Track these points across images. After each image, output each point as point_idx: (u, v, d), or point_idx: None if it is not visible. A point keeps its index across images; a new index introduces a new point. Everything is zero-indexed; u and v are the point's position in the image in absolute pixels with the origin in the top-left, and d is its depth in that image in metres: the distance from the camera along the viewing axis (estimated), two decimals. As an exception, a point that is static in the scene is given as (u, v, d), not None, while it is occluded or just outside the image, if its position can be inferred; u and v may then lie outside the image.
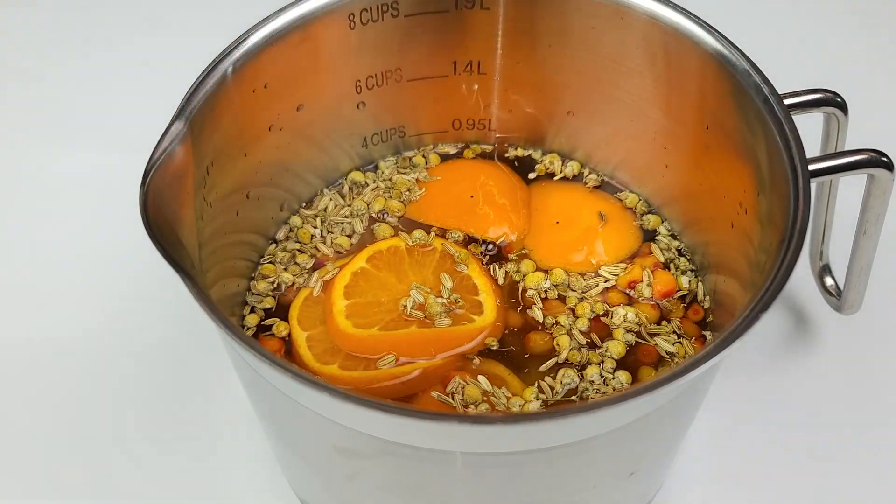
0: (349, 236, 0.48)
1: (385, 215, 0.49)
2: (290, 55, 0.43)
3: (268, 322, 0.45)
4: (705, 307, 0.46)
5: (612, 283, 0.46)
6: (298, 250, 0.48)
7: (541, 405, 0.42)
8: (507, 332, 0.44)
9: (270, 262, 0.47)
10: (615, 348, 0.44)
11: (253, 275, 0.47)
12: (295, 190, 0.49)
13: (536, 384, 0.42)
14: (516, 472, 0.35)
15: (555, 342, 0.44)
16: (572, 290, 0.46)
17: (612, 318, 0.45)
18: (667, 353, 0.44)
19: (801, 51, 0.67)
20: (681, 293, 0.46)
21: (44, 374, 0.50)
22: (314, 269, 0.47)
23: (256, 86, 0.42)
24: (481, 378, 0.42)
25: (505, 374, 0.43)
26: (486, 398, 0.41)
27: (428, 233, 0.48)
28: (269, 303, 0.46)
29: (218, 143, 0.41)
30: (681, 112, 0.45)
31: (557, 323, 0.45)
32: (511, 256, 0.47)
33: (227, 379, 0.49)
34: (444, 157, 0.52)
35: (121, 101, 0.63)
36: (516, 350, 0.44)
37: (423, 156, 0.52)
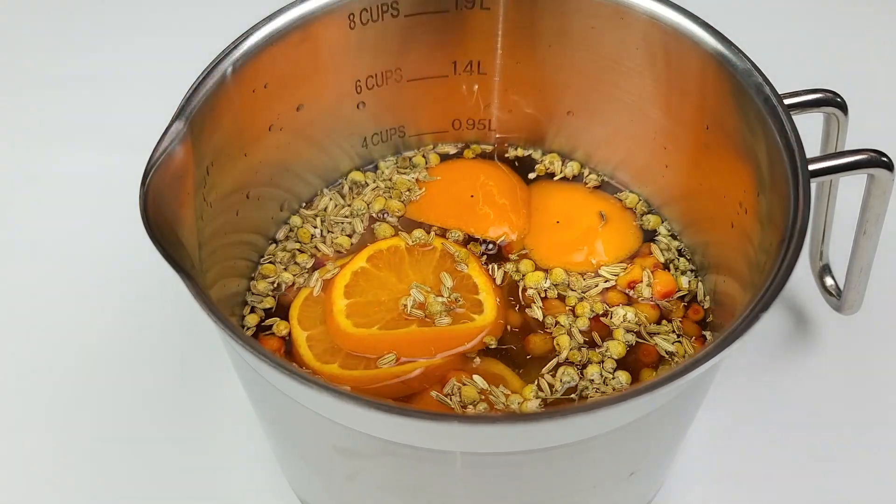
0: (349, 236, 0.48)
1: (385, 215, 0.49)
2: (290, 55, 0.43)
3: (268, 322, 0.45)
4: (705, 307, 0.46)
5: (612, 283, 0.46)
6: (298, 250, 0.48)
7: (540, 403, 0.42)
8: (507, 331, 0.44)
9: (270, 262, 0.47)
10: (615, 348, 0.44)
11: (253, 275, 0.47)
12: (295, 190, 0.49)
13: (536, 382, 0.42)
14: (516, 472, 0.35)
15: (555, 342, 0.44)
16: (572, 290, 0.46)
17: (611, 318, 0.45)
18: (667, 352, 0.44)
19: (801, 51, 0.67)
20: (681, 293, 0.46)
21: (43, 374, 0.50)
22: (314, 268, 0.47)
23: (256, 86, 0.42)
24: (477, 377, 0.42)
25: (505, 372, 0.43)
26: (483, 397, 0.41)
27: (428, 232, 0.48)
28: (269, 303, 0.46)
29: (218, 143, 0.41)
30: (681, 112, 0.45)
31: (557, 323, 0.45)
32: (512, 257, 0.47)
33: (227, 379, 0.49)
34: (444, 157, 0.52)
35: (121, 101, 0.63)
36: (516, 349, 0.44)
37: (423, 156, 0.52)
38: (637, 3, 0.43)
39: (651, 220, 0.49)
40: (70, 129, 0.62)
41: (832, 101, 0.42)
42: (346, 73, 0.47)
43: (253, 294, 0.46)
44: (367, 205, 0.50)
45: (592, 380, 0.43)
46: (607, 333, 0.44)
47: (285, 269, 0.47)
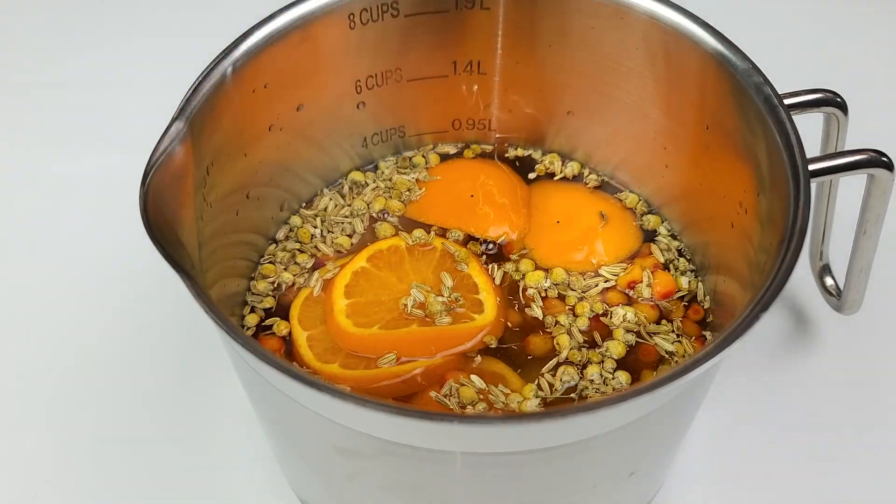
0: (349, 236, 0.48)
1: (385, 215, 0.49)
2: (290, 55, 0.43)
3: (268, 322, 0.45)
4: (705, 307, 0.46)
5: (612, 283, 0.46)
6: (298, 250, 0.48)
7: (539, 403, 0.42)
8: (507, 330, 0.44)
9: (270, 262, 0.47)
10: (615, 348, 0.44)
11: (253, 275, 0.47)
12: (295, 190, 0.49)
13: (536, 382, 0.42)
14: (516, 472, 0.35)
15: (555, 342, 0.44)
16: (572, 290, 0.46)
17: (611, 318, 0.45)
18: (667, 352, 0.44)
19: (801, 51, 0.67)
20: (680, 293, 0.46)
21: (43, 374, 0.50)
22: (314, 268, 0.47)
23: (256, 86, 0.42)
24: (475, 377, 0.42)
25: (505, 371, 0.43)
26: (482, 397, 0.41)
27: (428, 232, 0.48)
28: (269, 303, 0.46)
29: (218, 143, 0.41)
30: (681, 112, 0.45)
31: (557, 322, 0.45)
32: (513, 257, 0.47)
33: (227, 379, 0.49)
34: (444, 157, 0.52)
35: (121, 101, 0.63)
36: (516, 348, 0.44)
37: (423, 156, 0.52)
38: (637, 3, 0.43)
39: (651, 220, 0.49)
40: (70, 129, 0.62)
41: (832, 101, 0.42)
42: (346, 73, 0.47)
43: (253, 294, 0.46)
44: (367, 205, 0.50)
45: (592, 380, 0.43)
46: (607, 333, 0.44)
47: (285, 269, 0.47)
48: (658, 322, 0.45)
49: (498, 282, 0.46)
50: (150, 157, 0.35)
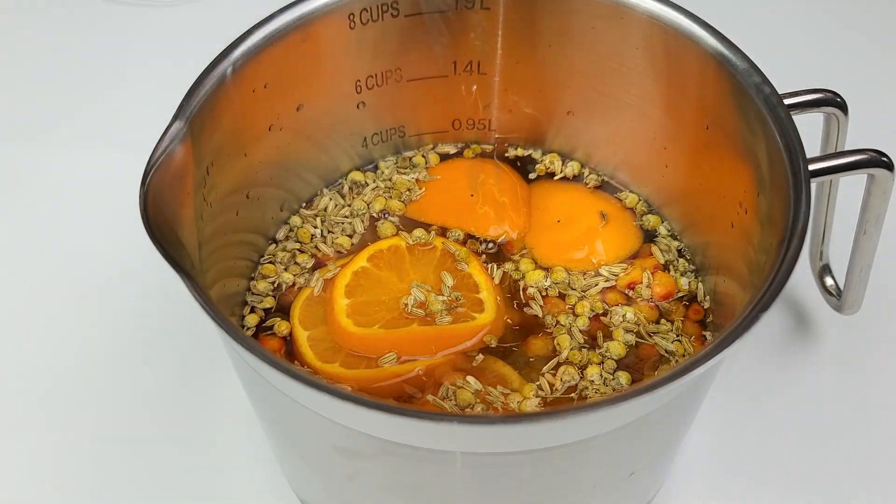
0: (350, 236, 0.48)
1: (386, 215, 0.49)
2: (290, 55, 0.43)
3: (269, 322, 0.45)
4: (705, 307, 0.46)
5: (613, 283, 0.46)
6: (299, 250, 0.48)
7: (539, 402, 0.42)
8: (507, 329, 0.44)
9: (270, 262, 0.47)
10: (615, 349, 0.44)
11: (253, 275, 0.47)
12: (295, 190, 0.49)
13: (537, 381, 0.42)
14: (516, 472, 0.35)
15: (555, 342, 0.44)
16: (573, 289, 0.46)
17: (611, 318, 0.45)
18: (667, 351, 0.44)
19: (801, 51, 0.67)
20: (680, 294, 0.46)
21: (43, 374, 0.50)
22: (315, 268, 0.47)
23: (256, 86, 0.42)
24: (470, 379, 0.42)
25: (506, 370, 0.43)
26: (479, 398, 0.41)
27: (428, 232, 0.48)
28: (269, 303, 0.46)
29: (218, 143, 0.41)
30: (681, 112, 0.45)
31: (558, 322, 0.45)
32: (514, 257, 0.47)
33: (227, 379, 0.49)
34: (444, 157, 0.52)
35: (121, 101, 0.63)
36: (517, 348, 0.44)
37: (423, 156, 0.52)
38: (637, 3, 0.43)
39: (651, 220, 0.49)
40: (70, 129, 0.62)
41: (832, 101, 0.42)
42: (346, 73, 0.47)
43: (253, 294, 0.46)
44: (368, 205, 0.50)
45: (592, 380, 0.43)
46: (607, 333, 0.44)
47: (285, 270, 0.47)
48: (658, 322, 0.45)
49: (498, 281, 0.46)
50: (150, 157, 0.35)
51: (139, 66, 0.66)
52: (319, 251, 0.48)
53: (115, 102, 0.63)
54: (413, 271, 0.46)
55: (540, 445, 0.33)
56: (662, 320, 0.45)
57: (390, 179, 0.51)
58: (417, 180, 0.51)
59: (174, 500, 0.46)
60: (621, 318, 0.45)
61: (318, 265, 0.47)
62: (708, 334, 0.45)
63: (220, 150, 0.41)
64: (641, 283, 0.46)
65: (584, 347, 0.44)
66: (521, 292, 0.46)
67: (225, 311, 0.39)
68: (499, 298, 0.45)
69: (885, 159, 0.39)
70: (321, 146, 0.49)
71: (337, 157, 0.50)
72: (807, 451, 0.48)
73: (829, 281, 0.49)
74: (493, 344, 0.44)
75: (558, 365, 0.43)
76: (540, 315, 0.45)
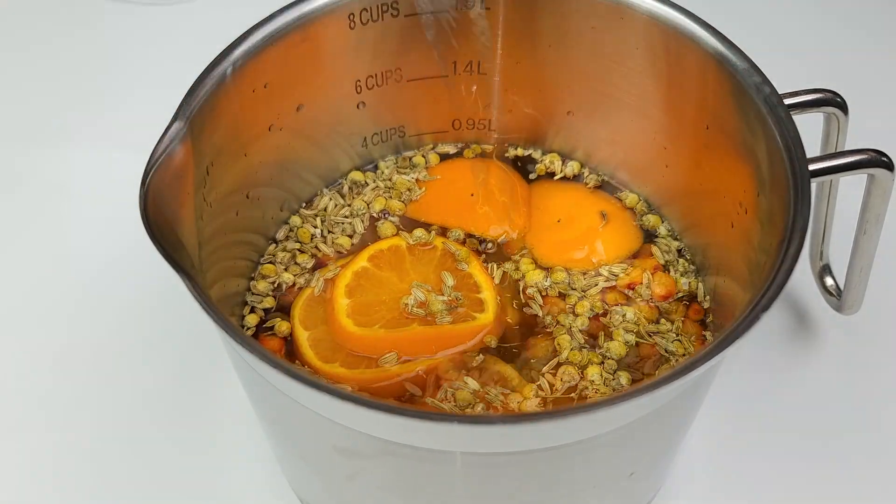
0: (350, 236, 0.48)
1: (386, 215, 0.49)
2: (290, 55, 0.43)
3: (269, 322, 0.45)
4: (705, 307, 0.46)
5: (613, 283, 0.46)
6: (299, 250, 0.48)
7: (539, 402, 0.42)
8: (507, 329, 0.44)
9: (270, 262, 0.47)
10: (615, 349, 0.44)
11: (253, 275, 0.47)
12: (295, 190, 0.49)
13: (537, 381, 0.42)
14: (516, 472, 0.35)
15: (555, 341, 0.44)
16: (573, 289, 0.46)
17: (611, 318, 0.45)
18: (667, 351, 0.44)
19: (801, 51, 0.67)
20: (680, 294, 0.46)
21: (43, 374, 0.50)
22: (315, 268, 0.47)
23: (256, 86, 0.42)
24: (468, 379, 0.42)
25: (506, 370, 0.43)
26: (479, 398, 0.41)
27: (429, 232, 0.48)
28: (269, 303, 0.46)
29: (218, 143, 0.41)
30: (681, 112, 0.45)
31: (558, 322, 0.45)
32: (514, 257, 0.47)
33: (227, 379, 0.49)
34: (444, 157, 0.52)
35: (121, 101, 0.63)
36: (517, 347, 0.44)
37: (423, 156, 0.52)
38: (637, 3, 0.43)
39: (651, 220, 0.49)
40: (70, 129, 0.62)
41: (832, 101, 0.42)
42: (346, 73, 0.47)
43: (253, 294, 0.46)
44: (367, 205, 0.50)
45: (592, 380, 0.43)
46: (607, 333, 0.44)
47: (286, 270, 0.47)
48: (658, 322, 0.45)
49: (497, 281, 0.46)
50: (150, 157, 0.35)
51: (139, 65, 0.66)
52: (319, 251, 0.48)
53: (115, 102, 0.63)
54: (413, 271, 0.46)
55: (540, 445, 0.33)
56: (662, 320, 0.45)
57: (390, 179, 0.51)
58: (417, 180, 0.51)
59: (174, 500, 0.46)
60: (621, 318, 0.45)
61: (319, 265, 0.47)
62: (708, 334, 0.45)
63: (220, 150, 0.41)
64: (641, 283, 0.46)
65: (584, 347, 0.44)
66: (521, 292, 0.46)
67: (225, 311, 0.39)
68: (499, 298, 0.45)
69: (885, 159, 0.39)
70: (321, 146, 0.49)
71: (337, 157, 0.50)
72: (807, 452, 0.48)
73: (829, 281, 0.49)
74: (493, 344, 0.44)
75: (558, 365, 0.43)
76: (540, 315, 0.45)
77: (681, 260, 0.47)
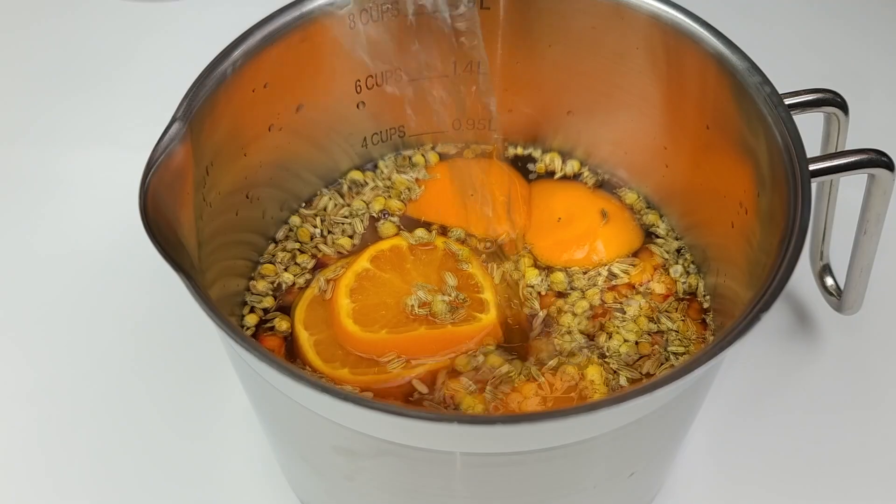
0: (350, 237, 0.48)
1: (385, 215, 0.49)
2: (290, 55, 0.43)
3: (268, 317, 0.45)
4: (705, 306, 0.46)
5: (613, 282, 0.46)
6: (299, 250, 0.48)
7: (539, 402, 0.42)
8: (508, 329, 0.44)
9: (270, 262, 0.47)
10: (615, 348, 0.44)
11: (252, 274, 0.47)
12: (295, 190, 0.49)
13: (537, 381, 0.42)
14: (516, 472, 0.35)
15: (555, 342, 0.44)
16: (573, 289, 0.46)
17: (611, 317, 0.45)
18: (667, 351, 0.44)
19: (801, 51, 0.67)
20: (681, 293, 0.46)
21: (42, 375, 0.50)
22: (315, 268, 0.47)
23: (256, 86, 0.42)
24: (464, 379, 0.42)
25: (507, 368, 0.43)
26: (479, 398, 0.41)
27: (430, 231, 0.48)
28: (268, 302, 0.46)
29: (218, 143, 0.40)
30: (681, 112, 0.45)
31: (558, 322, 0.45)
32: (514, 256, 0.47)
33: (227, 379, 0.49)
34: (444, 157, 0.52)
35: (121, 101, 0.63)
36: (517, 347, 0.44)
37: (423, 155, 0.52)
38: (637, 3, 0.43)
39: (650, 217, 0.49)
40: (70, 129, 0.62)
41: (832, 101, 0.42)
42: (346, 73, 0.47)
43: (252, 294, 0.46)
44: (367, 204, 0.50)
45: (593, 380, 0.43)
46: (607, 333, 0.44)
47: (286, 270, 0.47)
48: (658, 321, 0.45)
49: (497, 280, 0.46)
50: (149, 157, 0.35)
51: (139, 65, 0.66)
52: (320, 251, 0.48)
53: (116, 102, 0.63)
54: (415, 272, 0.46)
55: (540, 445, 0.33)
56: (662, 319, 0.45)
57: (389, 179, 0.51)
58: (417, 179, 0.51)
59: (174, 499, 0.46)
60: (621, 318, 0.45)
61: (319, 265, 0.47)
62: (708, 334, 0.45)
63: (219, 150, 0.41)
64: (641, 282, 0.46)
65: (584, 347, 0.44)
66: (521, 291, 0.46)
67: (225, 310, 0.39)
68: (501, 299, 0.45)
69: (885, 159, 0.39)
70: (321, 146, 0.49)
71: (337, 157, 0.50)
72: (807, 451, 0.48)
73: (829, 281, 0.49)
74: (493, 346, 0.44)
75: (558, 365, 0.43)
76: (539, 314, 0.45)
77: (681, 259, 0.47)
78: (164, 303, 0.52)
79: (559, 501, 0.38)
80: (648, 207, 0.50)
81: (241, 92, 0.41)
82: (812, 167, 0.37)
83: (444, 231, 0.48)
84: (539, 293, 0.46)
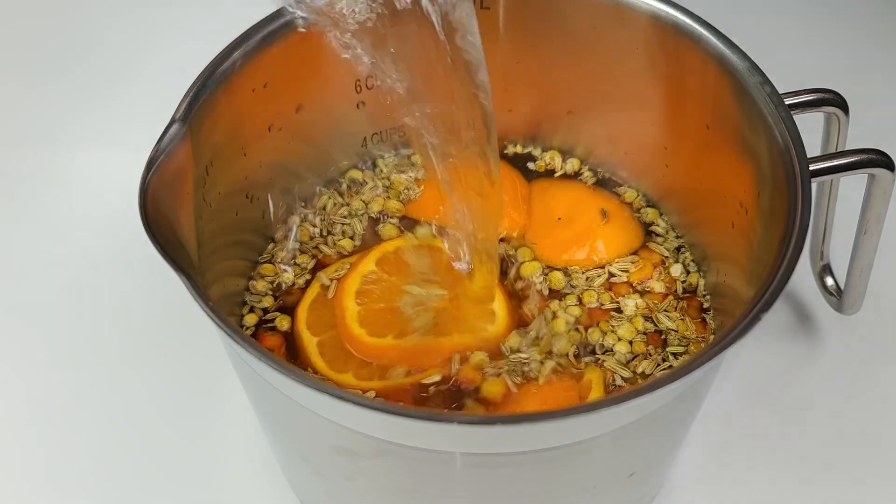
0: (351, 237, 0.48)
1: (385, 216, 0.49)
2: (290, 55, 0.43)
3: (269, 317, 0.45)
4: (706, 306, 0.46)
5: (613, 281, 0.46)
6: (299, 250, 0.48)
7: (539, 401, 0.42)
8: (507, 329, 0.44)
9: (270, 262, 0.47)
10: (615, 347, 0.43)
11: (252, 274, 0.47)
12: (295, 190, 0.49)
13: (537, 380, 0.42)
14: (516, 472, 0.35)
15: (556, 341, 0.44)
16: (573, 287, 0.46)
17: (611, 316, 0.45)
18: (666, 351, 0.44)
19: (801, 51, 0.67)
20: (681, 292, 0.46)
21: (42, 375, 0.50)
22: (315, 269, 0.47)
23: (256, 86, 0.42)
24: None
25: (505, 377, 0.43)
26: (481, 402, 0.42)
27: (432, 232, 0.47)
28: (268, 302, 0.46)
29: (217, 143, 0.40)
30: (681, 111, 0.45)
31: (556, 317, 0.45)
32: (514, 255, 0.47)
33: (227, 379, 0.49)
34: (444, 157, 0.52)
35: (121, 100, 0.63)
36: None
37: (423, 155, 0.52)
38: (637, 3, 0.43)
39: (651, 217, 0.49)
40: (70, 129, 0.62)
41: (833, 101, 0.42)
42: (345, 73, 0.47)
43: (252, 294, 0.46)
44: (366, 205, 0.50)
45: (591, 380, 0.43)
46: (607, 331, 0.44)
47: (285, 270, 0.47)
48: (658, 320, 0.45)
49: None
50: (149, 157, 0.35)
51: (139, 65, 0.66)
52: (320, 252, 0.48)
53: (115, 102, 0.63)
54: (419, 275, 0.45)
55: (540, 445, 0.33)
56: (662, 318, 0.45)
57: (388, 178, 0.51)
58: (416, 179, 0.51)
59: (174, 499, 0.46)
60: (622, 318, 0.45)
61: (319, 266, 0.47)
62: (708, 333, 0.45)
63: (219, 150, 0.41)
64: (642, 280, 0.46)
65: (584, 346, 0.44)
66: (520, 290, 0.46)
67: (224, 310, 0.39)
68: (509, 307, 0.45)
69: (885, 159, 0.39)
70: (321, 146, 0.49)
71: (336, 157, 0.50)
72: (807, 451, 0.48)
73: (829, 281, 0.49)
74: (487, 361, 0.43)
75: (558, 364, 0.43)
76: (539, 314, 0.45)
77: (681, 258, 0.47)
78: (164, 303, 0.52)
79: (559, 501, 0.38)
80: (648, 205, 0.50)
81: (241, 92, 0.41)
82: (812, 167, 0.37)
83: (443, 231, 0.48)
84: (539, 292, 0.46)
